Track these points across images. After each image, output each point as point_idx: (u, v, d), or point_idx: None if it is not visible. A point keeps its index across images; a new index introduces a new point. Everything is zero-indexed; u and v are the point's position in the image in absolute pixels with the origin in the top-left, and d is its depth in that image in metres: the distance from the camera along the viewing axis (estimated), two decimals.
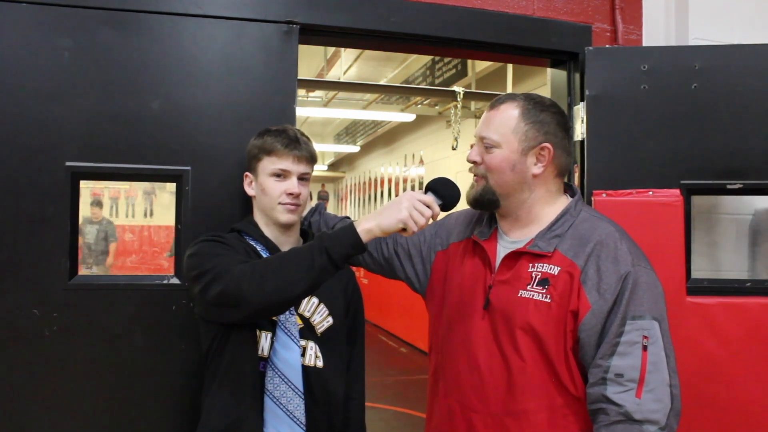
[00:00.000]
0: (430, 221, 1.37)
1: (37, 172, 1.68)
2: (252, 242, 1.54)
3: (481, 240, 1.49)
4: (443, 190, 1.39)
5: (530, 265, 1.39)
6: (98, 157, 1.72)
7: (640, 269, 1.33)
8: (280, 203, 1.50)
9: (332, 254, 1.27)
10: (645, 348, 1.29)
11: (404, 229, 1.32)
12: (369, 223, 1.31)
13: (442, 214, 1.51)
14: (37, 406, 1.66)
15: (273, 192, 1.51)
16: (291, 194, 1.50)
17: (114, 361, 1.71)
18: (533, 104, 1.43)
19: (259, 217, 1.57)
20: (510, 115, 1.42)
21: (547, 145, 1.41)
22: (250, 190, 1.58)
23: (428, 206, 1.34)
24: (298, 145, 1.52)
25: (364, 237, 1.30)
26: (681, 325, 1.70)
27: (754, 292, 1.93)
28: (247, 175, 1.58)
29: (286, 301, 1.31)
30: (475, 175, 1.48)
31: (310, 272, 1.26)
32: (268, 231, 1.55)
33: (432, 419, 1.55)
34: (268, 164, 1.52)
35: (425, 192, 1.38)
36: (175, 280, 1.75)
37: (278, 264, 1.30)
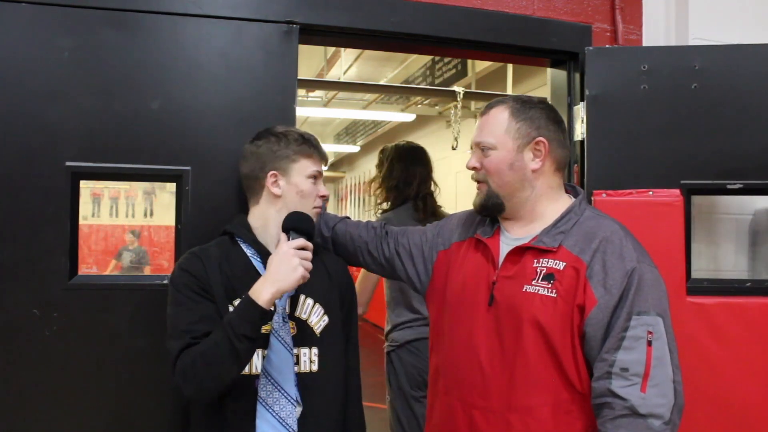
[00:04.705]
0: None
1: (37, 172, 1.68)
2: (244, 246, 1.53)
3: (484, 238, 1.50)
4: (300, 226, 1.46)
5: (535, 260, 1.40)
6: (98, 157, 1.72)
7: (644, 266, 1.35)
8: (314, 206, 1.56)
9: (249, 335, 1.34)
10: (650, 343, 1.30)
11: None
12: (268, 293, 1.34)
13: None
14: (37, 406, 1.66)
15: (311, 194, 1.55)
16: (323, 196, 1.58)
17: (114, 361, 1.71)
18: (521, 103, 1.47)
19: (257, 220, 1.55)
20: (501, 116, 1.47)
21: (542, 139, 1.44)
22: (276, 190, 1.54)
23: (304, 248, 1.41)
24: (322, 150, 1.59)
25: (269, 306, 1.35)
26: (681, 325, 1.69)
27: (754, 292, 1.93)
28: (274, 174, 1.53)
29: (226, 386, 1.40)
30: (477, 182, 1.50)
31: (237, 359, 1.35)
32: (266, 236, 1.53)
33: (432, 418, 1.55)
34: (308, 166, 1.55)
35: (287, 235, 1.44)
36: None
37: (207, 362, 1.35)
